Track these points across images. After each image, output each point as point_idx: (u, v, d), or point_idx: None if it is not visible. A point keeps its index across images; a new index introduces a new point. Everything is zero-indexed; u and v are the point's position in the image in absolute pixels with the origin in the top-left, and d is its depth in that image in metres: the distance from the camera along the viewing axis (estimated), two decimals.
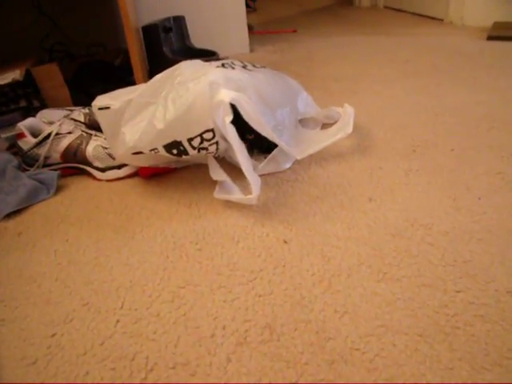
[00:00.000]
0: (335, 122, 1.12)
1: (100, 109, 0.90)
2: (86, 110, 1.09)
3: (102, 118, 0.91)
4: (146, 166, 0.95)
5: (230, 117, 0.79)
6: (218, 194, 0.86)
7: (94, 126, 1.04)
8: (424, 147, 1.02)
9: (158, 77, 0.88)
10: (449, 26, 2.37)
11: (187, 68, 0.87)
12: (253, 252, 0.72)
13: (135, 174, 1.01)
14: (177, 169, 1.01)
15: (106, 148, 1.00)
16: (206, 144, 0.83)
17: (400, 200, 0.82)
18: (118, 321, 0.62)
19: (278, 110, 0.95)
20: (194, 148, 0.83)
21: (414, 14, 2.79)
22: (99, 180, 1.01)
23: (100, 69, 1.48)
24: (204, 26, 2.01)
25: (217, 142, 0.84)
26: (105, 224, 0.84)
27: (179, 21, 1.78)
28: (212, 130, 0.81)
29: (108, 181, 1.00)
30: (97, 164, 1.00)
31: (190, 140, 0.82)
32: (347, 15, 3.09)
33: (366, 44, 2.14)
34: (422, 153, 0.99)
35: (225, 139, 0.86)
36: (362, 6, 3.36)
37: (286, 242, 0.74)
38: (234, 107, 0.81)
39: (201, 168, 0.99)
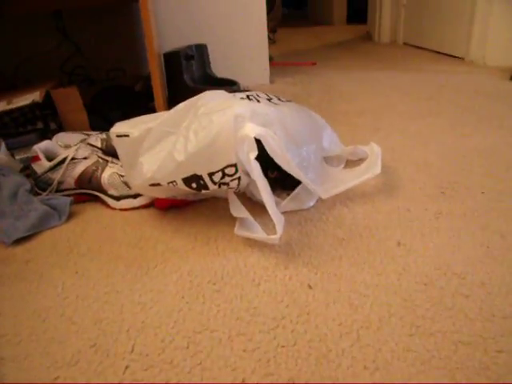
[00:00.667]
0: (360, 160, 1.08)
1: (118, 136, 0.87)
2: (104, 136, 1.07)
3: (119, 145, 0.88)
4: (163, 197, 0.91)
5: (255, 153, 0.75)
6: (238, 231, 0.81)
7: (110, 152, 1.02)
8: (453, 189, 0.97)
9: (180, 106, 0.85)
10: (470, 65, 2.34)
11: (211, 99, 0.84)
12: (274, 296, 0.67)
13: (151, 204, 0.97)
14: (194, 201, 0.97)
15: (122, 176, 0.97)
16: (227, 179, 0.79)
17: (431, 246, 0.78)
18: (127, 366, 0.57)
19: (303, 147, 0.91)
20: (214, 183, 0.79)
21: (433, 51, 2.78)
22: (113, 209, 0.97)
23: (120, 94, 1.47)
24: (225, 55, 2.01)
25: (239, 178, 0.80)
26: (117, 257, 0.80)
27: (201, 49, 1.77)
28: (235, 165, 0.77)
29: (122, 210, 0.97)
30: (112, 192, 0.97)
31: (211, 174, 0.78)
32: (367, 51, 3.10)
33: (387, 80, 2.11)
34: (451, 195, 0.95)
35: (247, 174, 0.82)
36: (381, 42, 3.36)
37: (310, 286, 0.69)
38: (258, 142, 0.77)
39: (220, 202, 0.95)
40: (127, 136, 0.86)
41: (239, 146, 0.74)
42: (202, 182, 0.78)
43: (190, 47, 1.71)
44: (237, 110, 0.76)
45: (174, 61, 1.65)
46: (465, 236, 0.80)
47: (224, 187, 0.80)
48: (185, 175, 0.78)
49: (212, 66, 1.85)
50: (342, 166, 1.08)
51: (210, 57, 1.84)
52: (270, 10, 2.40)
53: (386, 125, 1.44)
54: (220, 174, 0.77)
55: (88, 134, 1.12)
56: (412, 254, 0.75)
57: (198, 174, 0.77)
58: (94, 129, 1.25)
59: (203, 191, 0.81)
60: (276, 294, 0.68)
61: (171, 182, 0.80)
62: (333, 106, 1.69)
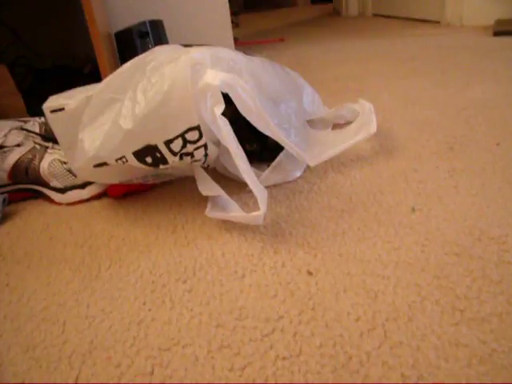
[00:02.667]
0: (348, 123, 0.93)
1: (53, 112, 0.69)
2: (43, 119, 0.89)
3: (55, 123, 0.70)
4: (116, 183, 0.74)
5: (222, 106, 0.58)
6: (211, 213, 0.64)
7: (52, 138, 0.83)
8: (462, 144, 0.82)
9: (125, 66, 0.68)
10: (447, 27, 2.22)
11: (163, 52, 0.67)
12: (265, 290, 0.51)
13: (103, 194, 0.80)
14: (156, 185, 0.80)
15: (65, 163, 0.79)
16: (190, 148, 0.62)
17: (453, 207, 0.62)
18: None
19: (281, 104, 0.75)
20: (174, 154, 0.62)
21: (406, 18, 2.65)
22: (59, 204, 0.80)
23: (64, 75, 1.27)
24: (185, 31, 1.83)
25: (205, 145, 0.63)
26: (60, 260, 0.63)
27: (156, 25, 1.58)
28: (197, 128, 0.60)
29: (69, 204, 0.79)
30: (54, 183, 0.79)
31: (168, 143, 0.60)
32: (336, 24, 2.95)
33: (362, 47, 1.97)
34: (462, 150, 0.80)
35: (215, 142, 0.66)
36: (349, 15, 3.23)
37: (310, 273, 0.52)
38: (225, 99, 0.60)
39: (187, 182, 0.78)
40: (63, 109, 0.68)
41: (200, 99, 0.57)
42: (158, 154, 0.61)
43: (143, 24, 1.52)
44: (194, 56, 0.59)
45: (126, 39, 1.46)
46: (491, 193, 0.65)
47: (187, 159, 0.63)
48: (136, 147, 0.61)
49: (171, 43, 1.67)
50: (329, 130, 0.92)
51: (168, 34, 1.66)
52: None
53: (370, 87, 1.28)
54: (180, 140, 0.60)
55: (25, 121, 0.94)
56: (432, 220, 0.60)
57: (152, 143, 0.60)
58: (33, 115, 1.05)
59: (161, 167, 0.63)
60: (267, 286, 0.51)
61: (120, 159, 0.62)
62: (307, 75, 1.52)
